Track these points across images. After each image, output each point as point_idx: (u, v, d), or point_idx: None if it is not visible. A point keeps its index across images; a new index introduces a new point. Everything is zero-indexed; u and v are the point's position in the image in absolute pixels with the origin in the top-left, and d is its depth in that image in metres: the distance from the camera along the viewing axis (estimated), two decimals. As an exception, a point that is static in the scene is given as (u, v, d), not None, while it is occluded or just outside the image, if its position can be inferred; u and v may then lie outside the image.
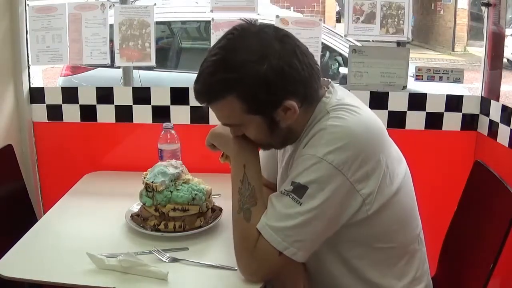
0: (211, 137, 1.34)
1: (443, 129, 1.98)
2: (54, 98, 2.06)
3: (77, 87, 2.08)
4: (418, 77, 1.99)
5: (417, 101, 1.97)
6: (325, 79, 1.25)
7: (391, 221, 1.18)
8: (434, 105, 1.97)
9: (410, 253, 1.25)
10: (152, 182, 1.44)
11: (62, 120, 2.07)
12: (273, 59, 1.08)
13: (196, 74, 1.17)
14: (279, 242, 1.10)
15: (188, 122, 2.02)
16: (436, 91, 2.06)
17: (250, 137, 1.20)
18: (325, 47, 3.42)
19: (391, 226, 1.19)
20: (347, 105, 1.17)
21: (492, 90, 1.96)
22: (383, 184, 1.13)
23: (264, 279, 1.18)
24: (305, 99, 1.15)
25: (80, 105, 2.05)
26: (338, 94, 1.21)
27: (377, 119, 1.21)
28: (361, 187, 1.10)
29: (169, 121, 1.94)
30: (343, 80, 1.87)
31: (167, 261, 1.29)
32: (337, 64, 3.65)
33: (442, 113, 1.97)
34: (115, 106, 2.05)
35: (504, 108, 1.78)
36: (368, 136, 1.12)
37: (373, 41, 1.99)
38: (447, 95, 1.97)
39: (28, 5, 1.99)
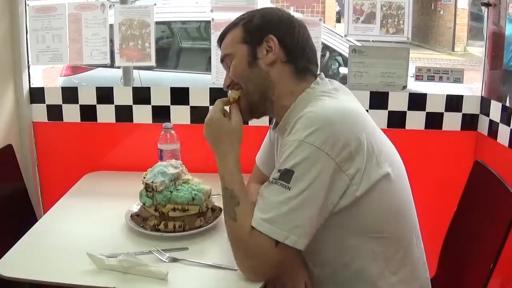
0: (205, 133, 1.30)
1: (443, 129, 1.98)
2: (54, 98, 2.06)
3: (77, 87, 2.08)
4: (418, 77, 1.99)
5: (417, 101, 1.97)
6: (318, 73, 1.31)
7: (382, 208, 1.18)
8: (434, 105, 1.97)
9: (406, 247, 1.25)
10: (152, 182, 1.44)
11: (62, 120, 2.07)
12: (282, 11, 1.31)
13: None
14: (279, 232, 1.10)
15: (188, 122, 2.02)
16: (436, 91, 2.06)
17: (231, 73, 1.29)
18: (325, 47, 3.42)
19: (383, 213, 1.19)
20: (328, 93, 1.23)
21: (492, 90, 1.96)
22: (369, 164, 1.14)
23: (265, 275, 1.18)
24: (292, 56, 1.25)
25: (80, 105, 2.05)
26: (325, 86, 1.26)
27: (357, 104, 1.26)
28: (347, 167, 1.11)
29: (169, 121, 1.94)
30: (343, 80, 1.86)
31: (167, 261, 1.29)
32: (337, 64, 3.65)
33: (442, 113, 1.97)
34: (115, 106, 2.05)
35: (504, 108, 1.78)
36: (345, 118, 1.15)
37: (373, 41, 1.99)
38: (447, 95, 1.97)
39: (28, 5, 1.99)
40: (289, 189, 1.10)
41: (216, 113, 1.28)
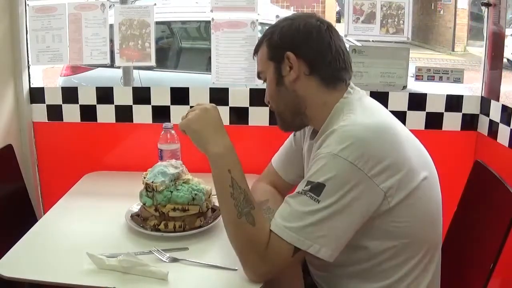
0: (188, 130, 1.27)
1: (443, 129, 1.99)
2: (54, 98, 2.06)
3: (77, 87, 2.08)
4: (418, 77, 1.99)
5: (417, 101, 1.97)
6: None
7: (417, 214, 1.18)
8: (434, 105, 1.97)
9: (434, 249, 1.26)
10: (152, 182, 1.44)
11: (62, 120, 2.07)
12: (301, 20, 1.26)
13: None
14: (302, 241, 1.10)
15: (188, 122, 2.02)
16: (436, 91, 2.06)
17: (266, 92, 1.31)
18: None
19: (418, 220, 1.19)
20: (362, 104, 1.23)
21: (492, 90, 1.96)
22: (405, 178, 1.13)
23: (270, 277, 1.18)
24: (315, 68, 1.23)
25: (80, 105, 2.05)
26: (357, 95, 1.26)
27: (392, 117, 1.26)
28: (381, 181, 1.11)
29: (169, 121, 1.94)
30: (343, 80, 1.86)
31: (167, 261, 1.29)
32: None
33: (442, 113, 1.97)
34: (115, 106, 2.05)
35: (504, 108, 1.78)
36: (380, 134, 1.14)
37: (373, 41, 1.99)
38: (447, 95, 1.97)
39: (28, 5, 1.99)
40: (318, 202, 1.09)
41: (196, 110, 1.27)
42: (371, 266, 1.21)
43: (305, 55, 1.23)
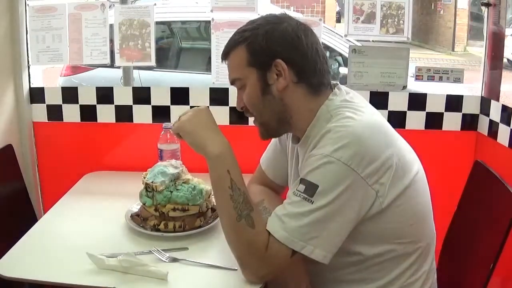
0: (182, 132, 1.25)
1: (443, 129, 1.98)
2: (54, 98, 2.06)
3: (77, 87, 2.08)
4: (418, 77, 1.99)
5: (417, 101, 1.97)
6: (334, 82, 1.28)
7: (408, 215, 1.18)
8: (434, 105, 1.97)
9: (426, 248, 1.26)
10: (152, 182, 1.44)
11: (62, 120, 2.07)
12: (285, 24, 1.21)
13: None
14: (296, 242, 1.09)
15: (188, 122, 2.02)
16: (436, 91, 2.06)
17: (246, 100, 1.24)
18: (325, 47, 3.39)
19: (409, 220, 1.19)
20: (350, 104, 1.21)
21: (492, 90, 1.96)
22: (395, 177, 1.13)
23: (269, 279, 1.18)
24: (303, 76, 1.21)
25: (80, 105, 2.05)
26: (342, 96, 1.24)
27: (380, 116, 1.25)
28: (373, 182, 1.10)
29: (169, 121, 1.93)
30: (343, 80, 1.86)
31: (167, 261, 1.29)
32: (337, 64, 3.65)
33: (442, 113, 1.97)
34: (115, 106, 2.05)
35: (504, 108, 1.78)
36: (373, 132, 1.14)
37: (373, 41, 1.99)
38: (447, 95, 1.97)
39: (28, 5, 1.99)
40: (312, 203, 1.09)
41: (189, 112, 1.27)
42: (365, 267, 1.21)
43: (295, 63, 1.20)
